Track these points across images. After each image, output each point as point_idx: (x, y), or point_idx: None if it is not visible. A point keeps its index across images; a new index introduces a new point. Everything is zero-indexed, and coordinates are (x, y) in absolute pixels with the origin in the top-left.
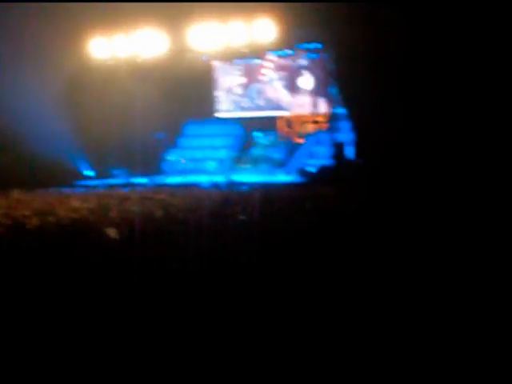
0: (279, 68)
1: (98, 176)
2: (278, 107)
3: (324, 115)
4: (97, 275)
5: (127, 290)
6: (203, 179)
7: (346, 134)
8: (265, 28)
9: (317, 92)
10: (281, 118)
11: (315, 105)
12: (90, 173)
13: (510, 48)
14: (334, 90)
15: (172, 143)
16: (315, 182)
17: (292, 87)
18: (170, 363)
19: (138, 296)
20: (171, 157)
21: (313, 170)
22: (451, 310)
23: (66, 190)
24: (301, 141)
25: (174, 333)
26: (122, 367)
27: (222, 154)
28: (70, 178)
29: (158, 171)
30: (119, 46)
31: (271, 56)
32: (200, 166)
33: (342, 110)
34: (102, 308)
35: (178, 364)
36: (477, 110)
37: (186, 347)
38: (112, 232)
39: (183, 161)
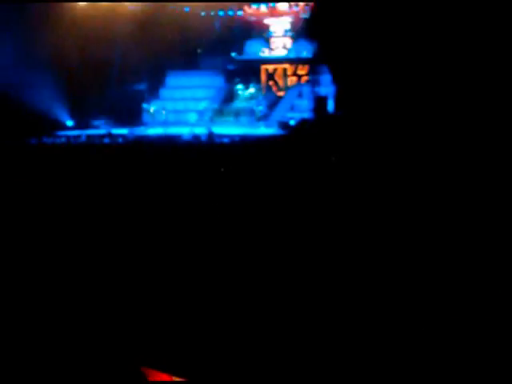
0: (260, 20)
1: (79, 127)
2: (261, 59)
3: (306, 68)
4: None
5: None
6: (184, 131)
7: (327, 88)
8: None
9: (299, 45)
10: (263, 70)
11: (298, 58)
12: (70, 123)
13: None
14: (316, 44)
15: (153, 94)
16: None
17: (273, 40)
18: None
19: None
20: (152, 108)
21: (293, 123)
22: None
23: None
24: (282, 93)
25: None
26: None
27: (204, 106)
28: (50, 128)
29: (139, 122)
30: None
31: (252, 7)
32: (181, 118)
33: (324, 64)
34: None
35: None
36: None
37: None
38: None
39: (164, 112)
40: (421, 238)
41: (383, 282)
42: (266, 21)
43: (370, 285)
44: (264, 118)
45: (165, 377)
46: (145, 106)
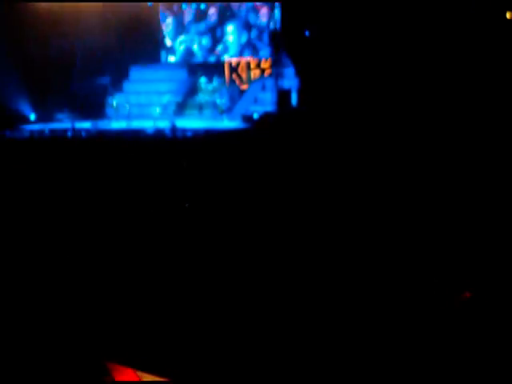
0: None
1: (42, 120)
2: (224, 51)
3: (270, 61)
4: None
5: None
6: (147, 125)
7: (291, 81)
8: None
9: (262, 38)
10: (226, 63)
11: (261, 50)
12: (33, 116)
13: None
14: (280, 36)
15: (117, 88)
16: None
17: (238, 32)
18: None
19: None
20: (116, 101)
21: (256, 116)
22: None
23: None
24: (246, 87)
25: None
26: None
27: (167, 99)
28: (13, 122)
29: (103, 116)
30: None
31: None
32: (145, 112)
33: (287, 56)
34: None
35: None
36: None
37: None
38: None
39: (127, 106)
40: (386, 235)
41: (366, 280)
42: None
43: (353, 283)
44: (227, 111)
45: (130, 372)
46: (108, 99)
